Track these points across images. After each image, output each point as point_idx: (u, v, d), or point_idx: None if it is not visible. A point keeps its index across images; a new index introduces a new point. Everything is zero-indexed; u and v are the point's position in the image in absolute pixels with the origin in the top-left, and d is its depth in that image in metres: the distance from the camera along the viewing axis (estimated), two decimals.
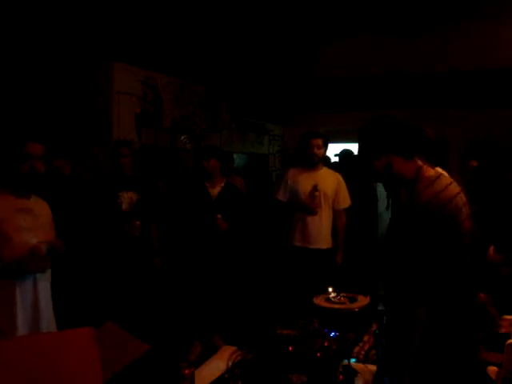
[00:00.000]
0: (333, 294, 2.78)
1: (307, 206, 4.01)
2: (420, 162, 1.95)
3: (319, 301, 2.70)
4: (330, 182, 4.14)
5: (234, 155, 6.27)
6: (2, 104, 4.29)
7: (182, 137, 5.75)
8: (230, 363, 2.06)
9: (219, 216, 3.86)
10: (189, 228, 4.01)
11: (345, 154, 5.55)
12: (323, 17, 5.85)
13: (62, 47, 4.56)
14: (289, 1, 5.36)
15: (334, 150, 7.07)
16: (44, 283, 2.39)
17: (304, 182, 4.09)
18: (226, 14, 5.23)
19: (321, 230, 4.08)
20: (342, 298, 2.74)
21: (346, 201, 4.21)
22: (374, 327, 2.65)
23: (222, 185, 4.07)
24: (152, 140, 5.24)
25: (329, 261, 4.12)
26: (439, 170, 2.02)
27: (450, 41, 6.32)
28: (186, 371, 1.89)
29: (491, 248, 3.18)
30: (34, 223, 2.32)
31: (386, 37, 6.51)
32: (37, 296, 2.32)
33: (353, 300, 2.72)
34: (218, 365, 2.19)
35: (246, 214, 4.08)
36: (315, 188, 4.01)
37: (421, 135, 2.18)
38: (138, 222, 3.79)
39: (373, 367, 2.19)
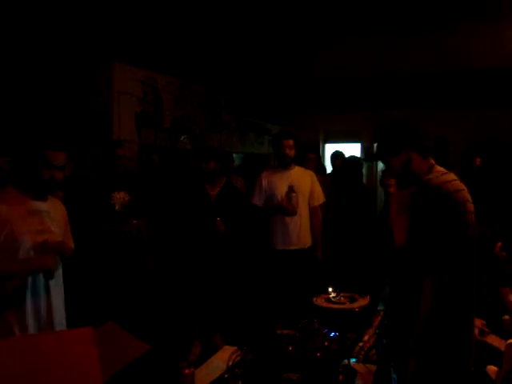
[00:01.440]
0: (333, 294, 2.78)
1: (285, 207, 3.99)
2: (432, 161, 2.12)
3: (319, 301, 2.70)
4: (304, 181, 4.14)
5: (234, 155, 6.27)
6: (2, 104, 4.29)
7: (182, 137, 5.75)
8: (230, 363, 2.06)
9: (218, 218, 3.86)
10: (188, 229, 4.00)
11: (336, 155, 5.58)
12: (323, 17, 5.85)
13: (62, 47, 4.56)
14: (288, 1, 5.36)
15: (333, 151, 7.06)
16: (56, 284, 2.38)
17: (279, 183, 4.07)
18: (226, 15, 5.23)
19: (301, 230, 4.07)
20: (342, 298, 2.74)
21: (320, 197, 4.22)
22: (375, 327, 2.66)
23: (222, 185, 4.07)
24: (152, 140, 5.24)
25: (312, 258, 4.12)
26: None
27: (450, 41, 6.33)
28: (186, 371, 1.90)
29: (498, 244, 3.26)
30: (48, 225, 2.32)
31: (385, 37, 6.51)
32: (49, 296, 2.32)
33: (353, 300, 2.72)
34: (218, 365, 2.19)
35: (245, 213, 4.07)
36: (291, 189, 3.99)
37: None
38: (135, 221, 3.80)
39: (373, 367, 2.19)
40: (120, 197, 3.85)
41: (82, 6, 4.20)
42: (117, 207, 3.82)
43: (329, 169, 6.29)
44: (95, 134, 4.76)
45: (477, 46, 6.19)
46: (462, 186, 2.03)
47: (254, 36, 5.86)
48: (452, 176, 2.06)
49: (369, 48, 6.68)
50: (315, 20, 5.90)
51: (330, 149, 8.08)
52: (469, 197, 2.03)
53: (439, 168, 2.10)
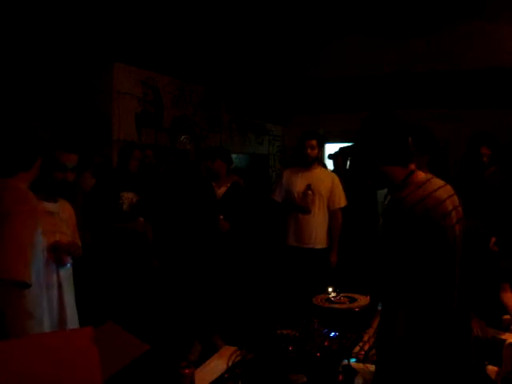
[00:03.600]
0: (333, 294, 2.78)
1: (300, 205, 4.02)
2: (412, 167, 1.94)
3: (319, 301, 2.70)
4: (324, 182, 4.16)
5: (234, 155, 6.27)
6: (2, 104, 4.29)
7: (182, 137, 5.75)
8: (230, 363, 2.06)
9: (221, 217, 3.86)
10: (193, 227, 4.01)
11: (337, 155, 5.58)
12: (323, 17, 5.85)
13: (62, 47, 4.56)
14: (288, 1, 5.36)
15: (334, 150, 7.03)
16: (67, 281, 2.43)
17: (298, 181, 4.11)
18: (226, 15, 5.23)
19: (315, 230, 4.09)
20: (342, 298, 2.74)
21: (341, 201, 4.22)
22: (374, 327, 2.65)
23: (228, 184, 4.08)
24: (152, 140, 5.24)
25: (323, 260, 4.12)
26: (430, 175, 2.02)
27: (450, 41, 6.32)
28: (186, 371, 1.89)
29: (492, 239, 3.26)
30: (59, 226, 2.39)
31: (386, 37, 6.51)
32: (61, 293, 2.37)
33: (353, 300, 2.72)
34: (217, 365, 2.19)
35: (251, 213, 4.09)
36: (308, 187, 4.02)
37: (424, 136, 2.21)
38: (142, 219, 3.84)
39: (373, 367, 2.19)
40: (129, 197, 3.89)
41: (83, 6, 4.21)
42: (125, 207, 3.87)
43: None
44: (95, 134, 4.76)
45: (477, 46, 6.18)
46: (445, 194, 1.88)
47: (253, 36, 5.86)
48: (432, 185, 1.89)
49: (369, 48, 6.67)
50: (315, 20, 5.90)
51: (330, 149, 8.08)
52: (456, 202, 1.90)
53: (417, 177, 1.91)
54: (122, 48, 4.72)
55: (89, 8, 4.25)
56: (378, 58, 6.63)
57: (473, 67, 6.28)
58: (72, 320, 2.43)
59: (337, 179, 4.26)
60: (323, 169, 4.29)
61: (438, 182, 1.96)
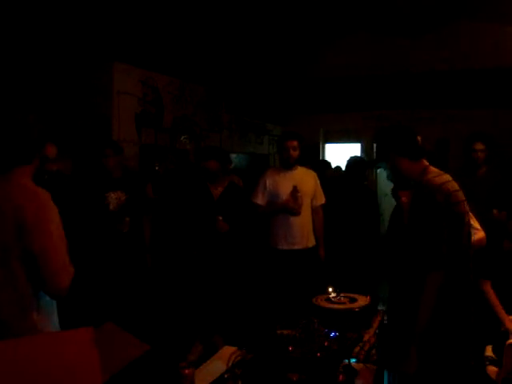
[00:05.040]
0: (333, 294, 2.78)
1: (290, 207, 3.98)
2: (426, 163, 2.20)
3: (319, 301, 2.70)
4: (308, 181, 4.15)
5: (234, 155, 6.27)
6: (2, 103, 4.29)
7: (182, 137, 5.75)
8: (230, 363, 2.06)
9: (220, 218, 3.84)
10: (191, 228, 4.00)
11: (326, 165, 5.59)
12: (323, 17, 5.85)
13: (62, 47, 4.56)
14: (288, 1, 5.36)
15: (333, 150, 7.07)
16: None
17: (283, 183, 4.06)
18: (226, 15, 5.23)
19: (304, 230, 4.08)
20: (342, 298, 2.74)
21: (322, 197, 4.24)
22: (375, 327, 2.65)
23: (225, 185, 4.06)
24: (152, 140, 5.24)
25: (317, 258, 4.15)
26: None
27: (450, 41, 6.33)
28: (186, 371, 1.89)
29: (495, 211, 3.37)
30: None
31: (386, 37, 6.52)
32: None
33: (353, 300, 2.72)
34: (217, 365, 2.19)
35: (249, 214, 4.07)
36: (296, 189, 3.99)
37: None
38: (128, 219, 3.81)
39: (373, 367, 2.19)
40: (116, 196, 3.85)
41: (82, 6, 4.21)
42: (111, 207, 3.83)
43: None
44: (95, 134, 4.76)
45: (477, 46, 6.19)
46: (458, 187, 2.15)
47: (253, 36, 5.86)
48: (448, 177, 2.15)
49: (369, 48, 6.68)
50: (315, 20, 5.91)
51: (330, 149, 8.10)
52: (462, 196, 2.14)
53: (433, 169, 2.18)
54: (122, 48, 4.72)
55: (88, 8, 4.25)
56: (378, 58, 6.64)
57: (473, 67, 6.28)
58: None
59: (317, 177, 4.27)
60: (303, 168, 4.25)
61: (449, 177, 2.19)
